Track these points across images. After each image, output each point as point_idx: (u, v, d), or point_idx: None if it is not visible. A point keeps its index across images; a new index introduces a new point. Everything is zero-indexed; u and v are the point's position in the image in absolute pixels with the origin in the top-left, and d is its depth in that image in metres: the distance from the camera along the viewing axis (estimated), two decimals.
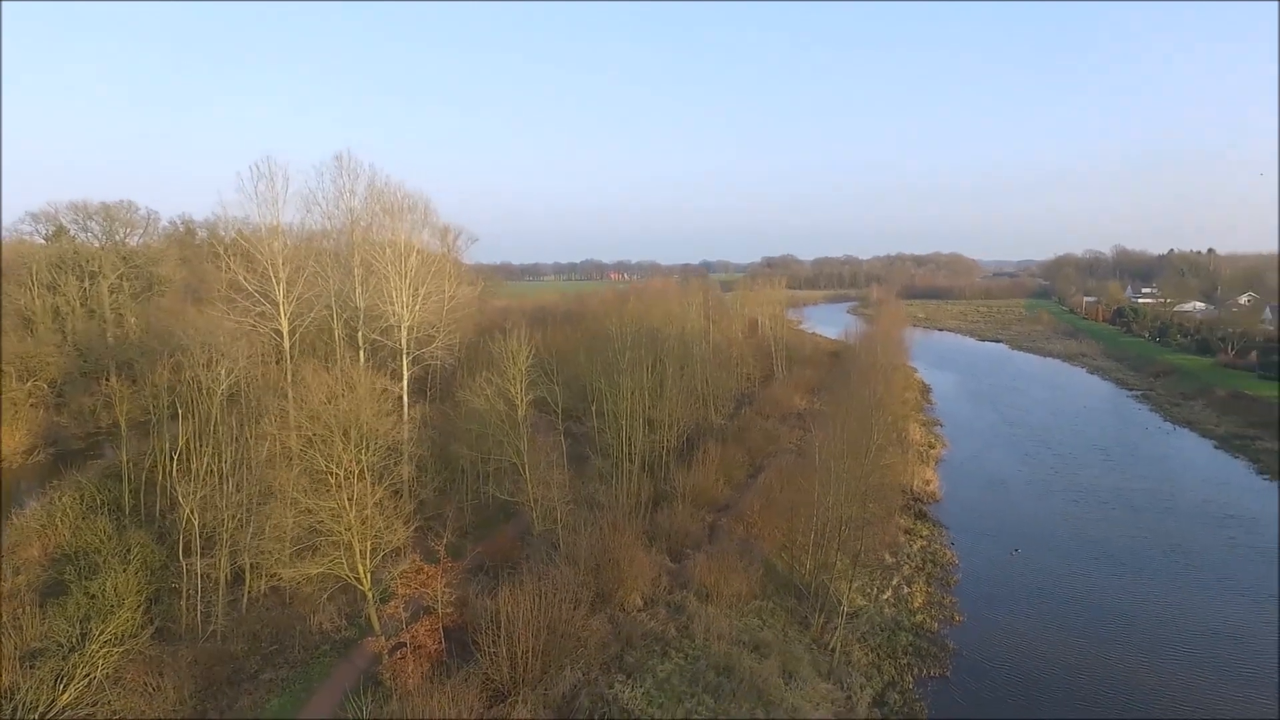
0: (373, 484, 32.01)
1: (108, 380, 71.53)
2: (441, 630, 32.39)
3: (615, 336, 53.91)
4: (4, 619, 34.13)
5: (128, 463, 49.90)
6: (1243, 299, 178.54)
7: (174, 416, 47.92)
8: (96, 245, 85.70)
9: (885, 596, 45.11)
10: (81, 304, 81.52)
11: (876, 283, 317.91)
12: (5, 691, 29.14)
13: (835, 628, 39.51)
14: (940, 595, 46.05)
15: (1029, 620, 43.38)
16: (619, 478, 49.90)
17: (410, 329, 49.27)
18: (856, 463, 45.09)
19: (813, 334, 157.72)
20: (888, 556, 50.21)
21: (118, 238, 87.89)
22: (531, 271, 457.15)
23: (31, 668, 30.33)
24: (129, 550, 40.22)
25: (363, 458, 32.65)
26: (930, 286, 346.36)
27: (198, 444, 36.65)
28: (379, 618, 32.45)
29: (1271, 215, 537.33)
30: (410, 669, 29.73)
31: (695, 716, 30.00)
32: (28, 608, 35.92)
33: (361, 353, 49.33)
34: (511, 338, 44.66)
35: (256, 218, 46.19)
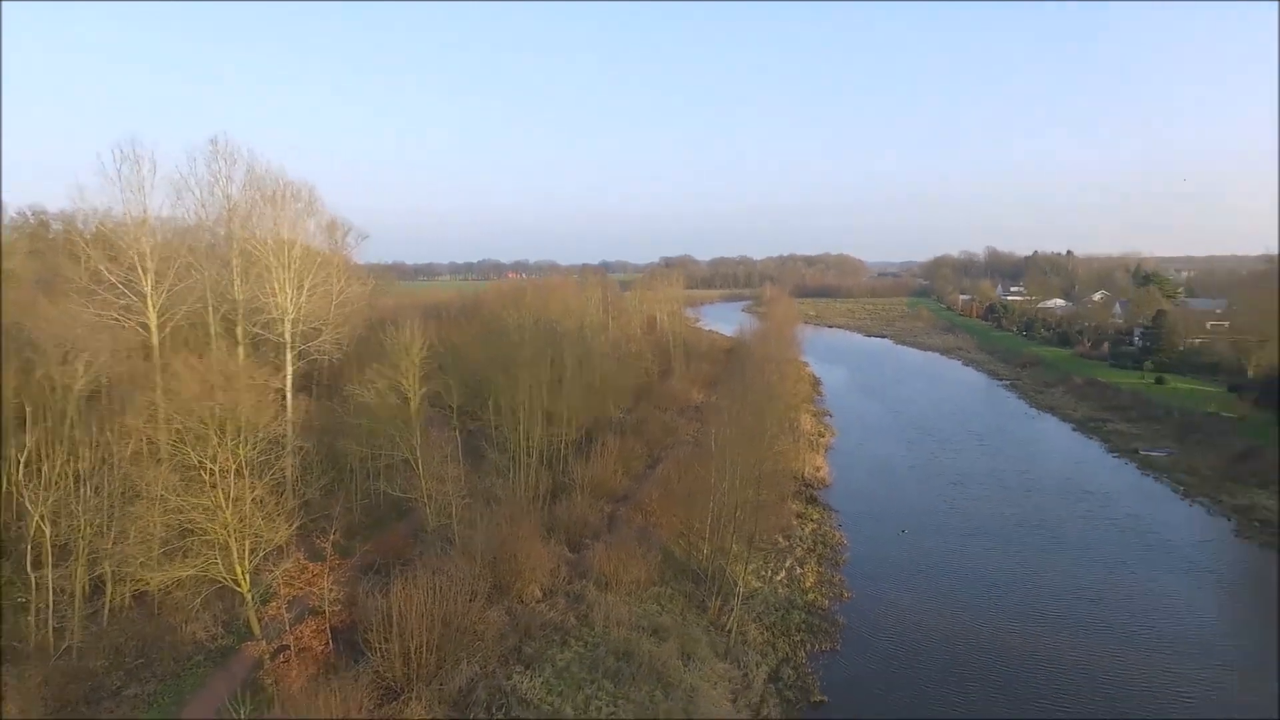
0: (252, 479, 30.20)
1: None
2: (329, 631, 30.99)
3: (513, 329, 53.12)
4: None
5: None
6: (1096, 296, 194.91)
7: (23, 423, 43.74)
8: None
9: (779, 577, 46.51)
10: None
11: (770, 282, 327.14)
12: None
13: (731, 609, 40.42)
14: (830, 574, 47.86)
15: (912, 594, 45.67)
16: (517, 471, 49.23)
17: (295, 322, 46.84)
18: (751, 450, 46.31)
19: (709, 331, 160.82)
20: (781, 539, 51.78)
21: None
22: (426, 271, 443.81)
23: None
24: None
25: (241, 452, 30.71)
26: (820, 285, 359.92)
27: (50, 446, 33.48)
28: (260, 620, 30.60)
29: (1114, 221, 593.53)
30: (295, 672, 28.29)
31: (595, 702, 30.00)
32: None
33: (241, 348, 46.56)
34: (404, 329, 43.26)
35: (120, 205, 42.74)
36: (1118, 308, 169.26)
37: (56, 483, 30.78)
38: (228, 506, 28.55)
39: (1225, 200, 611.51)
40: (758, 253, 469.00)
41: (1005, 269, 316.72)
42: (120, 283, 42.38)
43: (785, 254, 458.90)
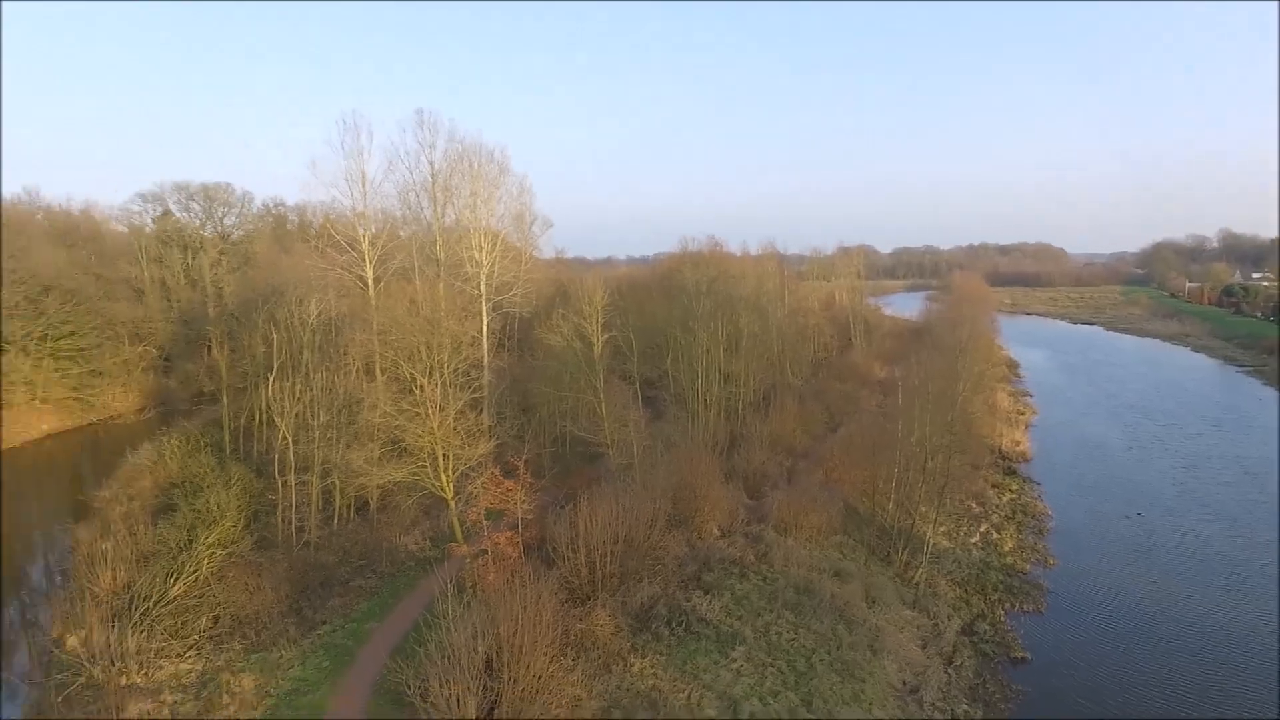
0: (455, 390, 32.78)
1: (210, 352, 76.17)
2: (521, 543, 32.93)
3: (691, 284, 53.62)
4: (120, 529, 36.56)
5: (228, 410, 52.81)
6: None
7: (269, 371, 50.41)
8: (197, 224, 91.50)
9: (973, 541, 43.60)
10: (185, 276, 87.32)
11: (959, 269, 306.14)
12: (123, 585, 31.20)
13: (919, 564, 38.38)
14: (1033, 542, 44.22)
15: (1133, 570, 41.00)
16: (695, 423, 49.71)
17: (489, 275, 50.34)
18: (941, 406, 43.77)
19: (892, 315, 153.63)
20: (975, 506, 48.59)
21: (217, 216, 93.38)
22: (605, 265, 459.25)
23: (145, 566, 32.43)
24: (230, 478, 42.50)
25: (445, 367, 33.42)
26: (1016, 274, 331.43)
27: (290, 372, 38.39)
28: (461, 526, 33.14)
29: None
30: (492, 574, 30.27)
31: (775, 628, 29.58)
32: (141, 523, 38.41)
33: (444, 302, 50.55)
34: (588, 279, 45.02)
35: (343, 169, 47.81)
36: None
37: (298, 396, 35.16)
38: (435, 416, 31.23)
39: None
40: (944, 242, 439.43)
41: (1245, 252, 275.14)
42: (344, 240, 47.55)
43: (975, 243, 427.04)
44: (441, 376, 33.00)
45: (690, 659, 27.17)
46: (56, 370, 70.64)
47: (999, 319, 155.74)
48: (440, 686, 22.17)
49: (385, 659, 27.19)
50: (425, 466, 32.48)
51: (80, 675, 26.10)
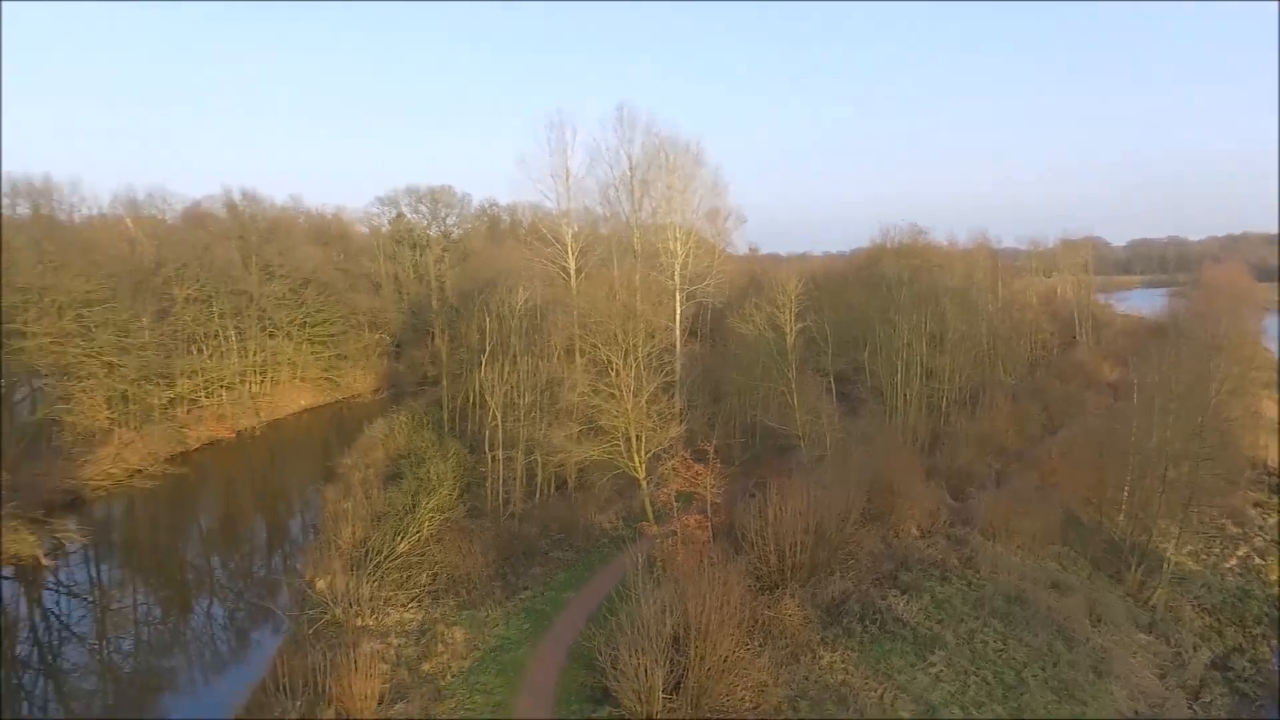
0: (648, 374, 33.69)
1: (433, 340, 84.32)
2: (710, 526, 33.14)
3: (891, 273, 51.02)
4: (358, 492, 41.45)
5: (447, 391, 58.09)
6: None
7: (482, 356, 54.93)
8: (425, 224, 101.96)
9: (1228, 564, 37.86)
10: (414, 271, 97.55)
11: (1211, 261, 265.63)
12: (360, 540, 35.38)
13: (1157, 585, 33.89)
14: None
15: None
16: (894, 418, 47.28)
17: (683, 265, 51.12)
18: (1189, 409, 38.27)
19: (1124, 313, 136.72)
20: (1230, 526, 42.08)
21: (440, 216, 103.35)
22: (799, 260, 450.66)
23: (378, 525, 36.55)
24: (448, 451, 46.75)
25: (639, 345, 34.43)
26: None
27: (501, 356, 41.52)
28: (653, 507, 33.95)
29: None
30: (681, 555, 30.73)
31: (980, 636, 27.46)
32: (375, 488, 43.32)
33: (639, 292, 52.07)
34: (782, 268, 44.27)
35: (549, 165, 50.75)
36: None
37: (506, 380, 37.91)
38: (628, 397, 32.28)
39: None
40: (1194, 231, 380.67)
41: None
42: (549, 232, 50.48)
43: (1236, 232, 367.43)
44: (636, 360, 34.13)
45: (884, 658, 25.94)
46: (312, 353, 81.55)
47: (1269, 317, 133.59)
48: (630, 656, 22.85)
49: (580, 626, 28.55)
50: (619, 446, 33.71)
51: (326, 613, 29.89)
